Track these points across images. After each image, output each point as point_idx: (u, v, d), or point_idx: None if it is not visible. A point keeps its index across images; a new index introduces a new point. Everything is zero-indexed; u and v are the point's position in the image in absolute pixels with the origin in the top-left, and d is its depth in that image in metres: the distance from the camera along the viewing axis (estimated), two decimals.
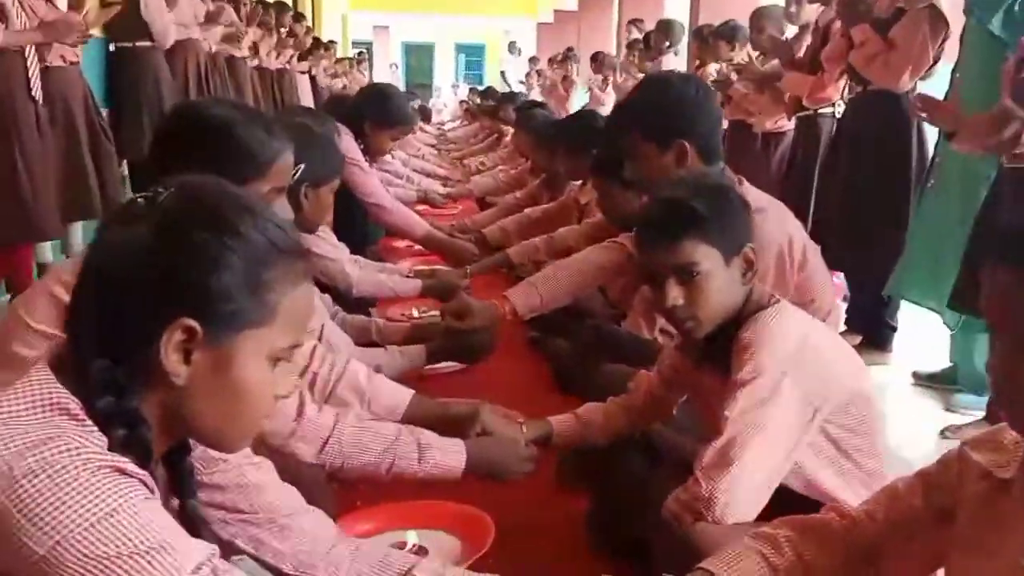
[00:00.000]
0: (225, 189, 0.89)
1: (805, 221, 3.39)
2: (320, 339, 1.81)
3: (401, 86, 25.51)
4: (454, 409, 1.63)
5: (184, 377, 0.81)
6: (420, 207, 4.65)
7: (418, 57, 28.23)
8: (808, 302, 1.92)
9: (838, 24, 3.27)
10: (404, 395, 1.63)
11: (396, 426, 1.46)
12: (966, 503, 0.96)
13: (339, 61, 12.78)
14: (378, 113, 3.23)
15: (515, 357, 2.69)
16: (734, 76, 4.64)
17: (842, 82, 3.32)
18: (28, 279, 3.36)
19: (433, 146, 9.43)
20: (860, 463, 1.38)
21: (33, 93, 3.19)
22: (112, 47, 4.59)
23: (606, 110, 8.77)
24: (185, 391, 0.82)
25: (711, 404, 1.48)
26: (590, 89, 9.09)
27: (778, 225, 1.90)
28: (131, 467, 0.77)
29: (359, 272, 2.57)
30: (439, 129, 11.67)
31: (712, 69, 5.28)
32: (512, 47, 17.34)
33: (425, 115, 11.40)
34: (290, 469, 1.21)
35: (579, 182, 3.35)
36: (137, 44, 4.53)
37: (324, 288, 2.51)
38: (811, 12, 3.84)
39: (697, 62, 5.59)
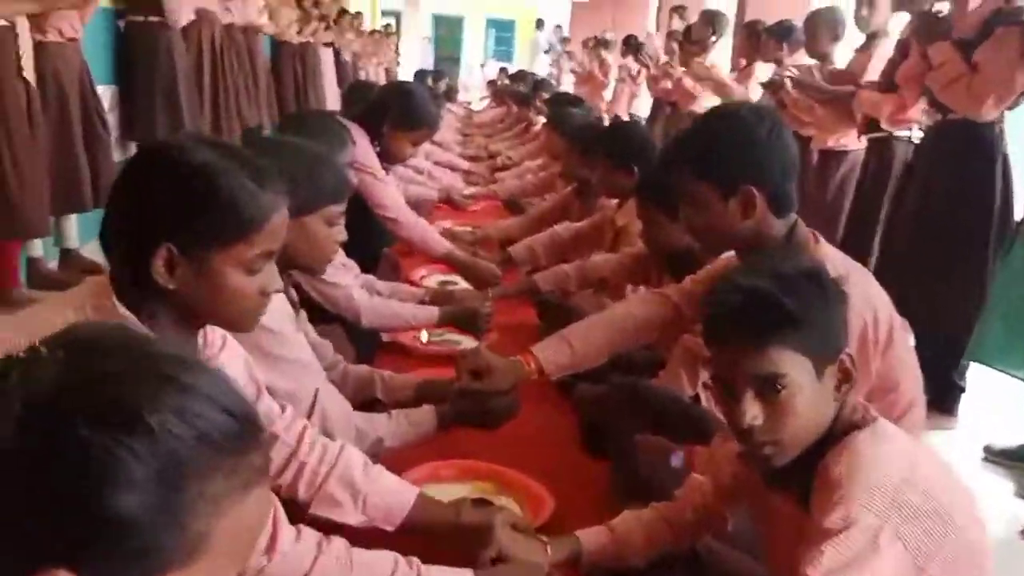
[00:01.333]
0: (134, 347, 0.60)
1: (869, 255, 3.08)
2: (312, 410, 1.53)
3: (431, 61, 25.48)
4: (465, 517, 1.35)
5: None
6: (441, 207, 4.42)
7: (448, 29, 27.86)
8: (890, 389, 1.62)
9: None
10: (406, 497, 1.35)
11: (391, 559, 1.19)
12: None
13: (368, 34, 12.45)
14: (399, 114, 2.90)
15: (537, 399, 2.38)
16: (787, 80, 4.30)
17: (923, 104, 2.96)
18: (14, 276, 3.11)
19: (459, 129, 9.17)
20: None
21: (24, 74, 2.91)
22: (122, 22, 4.28)
23: (640, 104, 8.46)
24: None
25: (781, 532, 1.20)
26: (620, 79, 8.70)
27: (862, 297, 1.59)
28: None
29: (368, 301, 2.28)
30: (466, 109, 11.33)
31: (760, 69, 4.94)
32: (540, 24, 16.86)
33: (451, 95, 11.03)
34: None
35: (615, 200, 3.04)
36: (149, 19, 4.23)
37: (329, 318, 2.24)
38: (883, 17, 3.48)
39: (743, 61, 5.23)
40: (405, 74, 16.86)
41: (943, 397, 2.70)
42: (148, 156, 1.11)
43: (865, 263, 3.10)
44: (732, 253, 1.72)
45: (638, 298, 1.97)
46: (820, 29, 3.90)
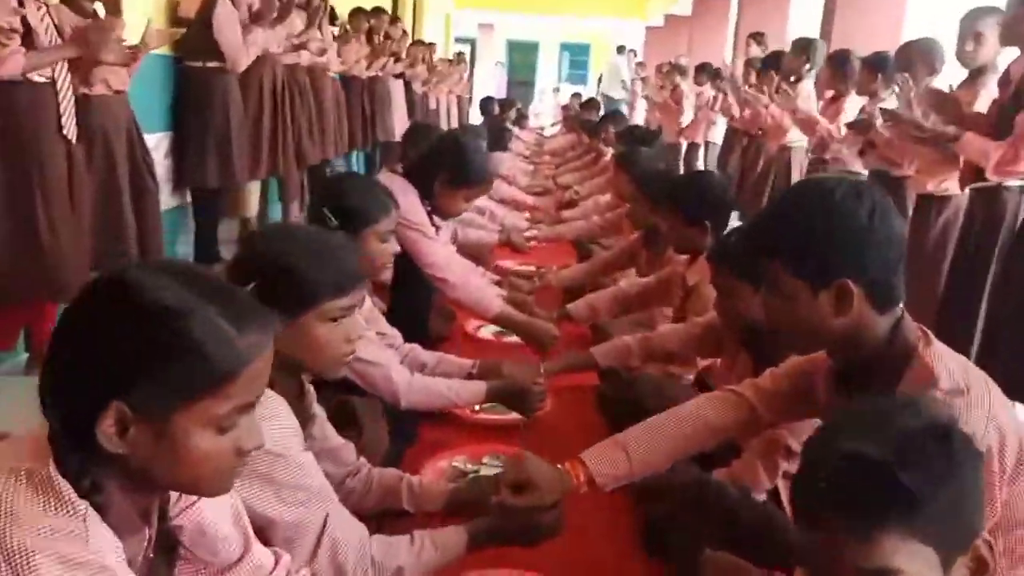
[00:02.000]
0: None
1: (974, 324, 2.71)
2: (320, 541, 1.31)
3: (504, 84, 25.56)
4: None
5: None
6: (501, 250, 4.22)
7: (522, 54, 27.91)
8: (1018, 523, 1.31)
9: None
10: None
11: None
12: None
13: (439, 63, 12.41)
14: (451, 170, 2.72)
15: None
16: (877, 115, 3.94)
17: None
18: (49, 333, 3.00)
19: (527, 157, 8.99)
20: None
21: (65, 132, 2.80)
22: (181, 66, 4.22)
23: (715, 132, 8.12)
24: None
25: None
26: (697, 106, 8.37)
27: (984, 416, 1.29)
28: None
29: (407, 382, 2.07)
30: (537, 136, 11.16)
31: (849, 103, 4.58)
32: (622, 49, 16.56)
33: (521, 121, 10.88)
34: None
35: (686, 256, 2.76)
36: (207, 64, 4.15)
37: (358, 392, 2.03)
38: (992, 52, 3.11)
39: (831, 92, 4.86)
40: (477, 111, 16.90)
41: None
42: (100, 292, 0.89)
43: (971, 329, 2.74)
44: None
45: (710, 398, 1.68)
46: (915, 62, 3.54)
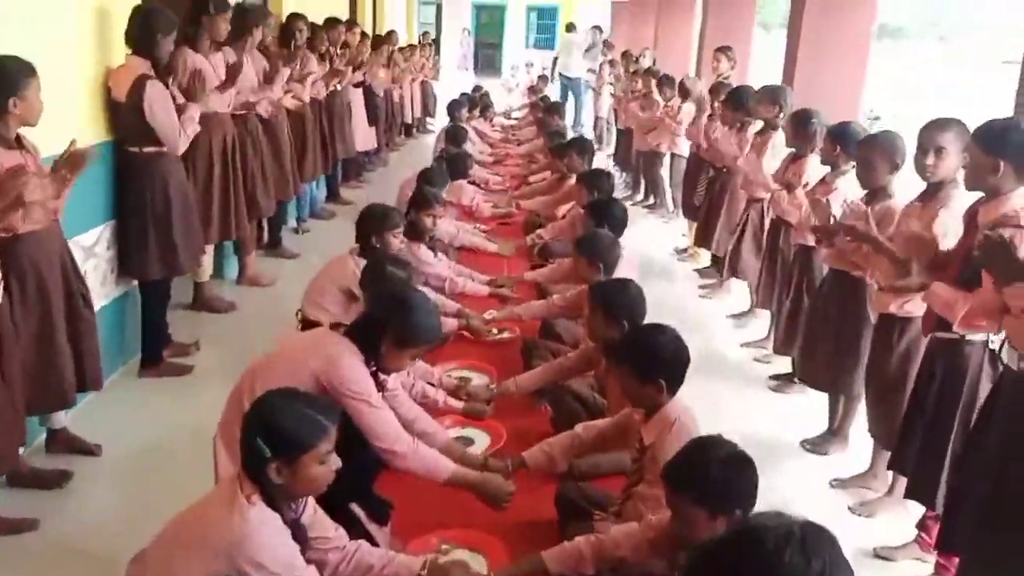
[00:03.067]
0: None
1: (936, 486, 2.68)
2: None
3: (471, 50, 25.04)
4: None
5: None
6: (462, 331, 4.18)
7: (489, 15, 27.39)
8: None
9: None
10: None
11: None
12: None
13: (399, 52, 12.08)
14: (398, 333, 2.63)
15: None
16: (838, 189, 3.87)
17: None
18: None
19: (492, 163, 8.87)
20: None
21: None
22: (119, 151, 4.02)
23: (681, 142, 7.97)
24: None
25: None
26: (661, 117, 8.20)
27: None
28: None
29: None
30: (503, 133, 10.93)
31: (812, 164, 4.50)
32: (571, 27, 16.20)
33: (486, 113, 10.66)
34: None
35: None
36: (144, 149, 3.96)
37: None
38: (952, 167, 3.01)
39: (792, 150, 4.76)
40: (445, 83, 16.59)
41: None
42: None
43: (933, 489, 2.71)
44: None
45: None
46: (876, 159, 3.43)
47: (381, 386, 2.70)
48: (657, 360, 2.60)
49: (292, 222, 6.99)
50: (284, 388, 2.12)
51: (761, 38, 8.84)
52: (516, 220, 6.48)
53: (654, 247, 7.36)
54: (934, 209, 3.04)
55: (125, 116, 3.89)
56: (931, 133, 3.07)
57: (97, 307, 3.46)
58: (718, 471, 1.99)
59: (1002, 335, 2.47)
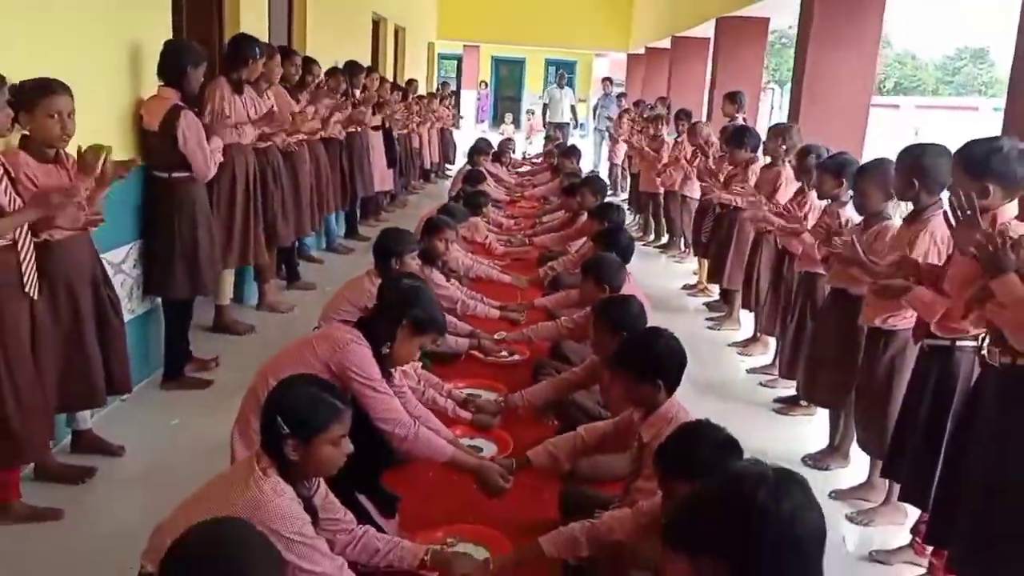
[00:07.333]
0: None
1: (930, 488, 2.75)
2: None
3: (490, 104, 25.53)
4: None
5: None
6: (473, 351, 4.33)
7: (508, 70, 27.99)
8: None
9: None
10: None
11: None
12: None
13: (419, 99, 12.44)
14: (412, 317, 2.84)
15: None
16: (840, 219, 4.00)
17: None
18: (15, 491, 3.03)
19: (510, 201, 9.11)
20: None
21: (27, 289, 2.83)
22: (148, 175, 4.23)
23: (692, 185, 8.15)
24: None
25: None
26: (674, 158, 8.41)
27: None
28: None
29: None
30: (517, 178, 11.19)
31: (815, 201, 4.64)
32: (561, 80, 16.91)
33: (502, 158, 10.93)
34: None
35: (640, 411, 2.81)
36: (173, 175, 4.17)
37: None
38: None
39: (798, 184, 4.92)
40: (465, 128, 17.06)
41: None
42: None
43: (927, 491, 2.77)
44: None
45: None
46: (870, 187, 3.58)
47: (388, 379, 2.85)
48: (654, 361, 2.73)
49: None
50: (304, 373, 2.27)
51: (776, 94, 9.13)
52: (529, 257, 6.67)
53: (664, 282, 7.49)
54: (916, 231, 3.17)
55: (156, 143, 4.12)
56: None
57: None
58: (708, 454, 2.09)
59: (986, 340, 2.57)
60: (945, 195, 3.13)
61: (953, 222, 2.53)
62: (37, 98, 2.94)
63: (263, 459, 2.05)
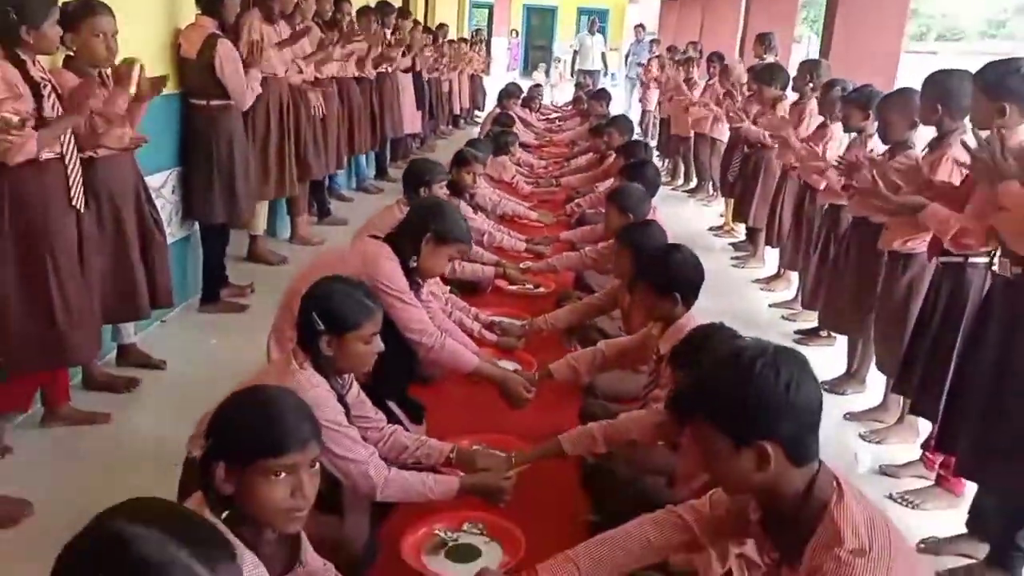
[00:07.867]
0: None
1: (939, 398, 2.83)
2: None
3: (521, 52, 25.25)
4: None
5: None
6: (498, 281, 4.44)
7: (540, 18, 27.69)
8: None
9: None
10: None
11: None
12: None
13: (450, 44, 12.40)
14: (437, 230, 2.92)
15: None
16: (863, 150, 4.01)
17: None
18: (64, 393, 3.21)
19: (538, 146, 9.14)
20: None
21: (74, 202, 2.96)
22: (186, 102, 4.36)
23: (721, 127, 8.14)
24: None
25: None
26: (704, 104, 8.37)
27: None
28: None
29: (384, 478, 2.24)
30: (547, 122, 11.19)
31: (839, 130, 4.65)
32: (593, 26, 16.69)
33: (532, 104, 10.92)
34: None
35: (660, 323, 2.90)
36: (211, 103, 4.29)
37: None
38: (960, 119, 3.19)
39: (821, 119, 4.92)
40: (496, 75, 17.01)
41: (1003, 556, 2.51)
42: (87, 546, 0.95)
43: (937, 398, 2.85)
44: None
45: (654, 520, 1.85)
46: (893, 116, 3.60)
47: (416, 292, 2.97)
48: (673, 275, 2.81)
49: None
50: (339, 275, 2.37)
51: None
52: (557, 197, 6.73)
53: (692, 224, 7.53)
54: (938, 156, 3.21)
55: (194, 71, 4.23)
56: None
57: None
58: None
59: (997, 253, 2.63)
60: (967, 123, 3.16)
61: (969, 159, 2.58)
62: (83, 18, 3.05)
63: (299, 355, 2.17)
